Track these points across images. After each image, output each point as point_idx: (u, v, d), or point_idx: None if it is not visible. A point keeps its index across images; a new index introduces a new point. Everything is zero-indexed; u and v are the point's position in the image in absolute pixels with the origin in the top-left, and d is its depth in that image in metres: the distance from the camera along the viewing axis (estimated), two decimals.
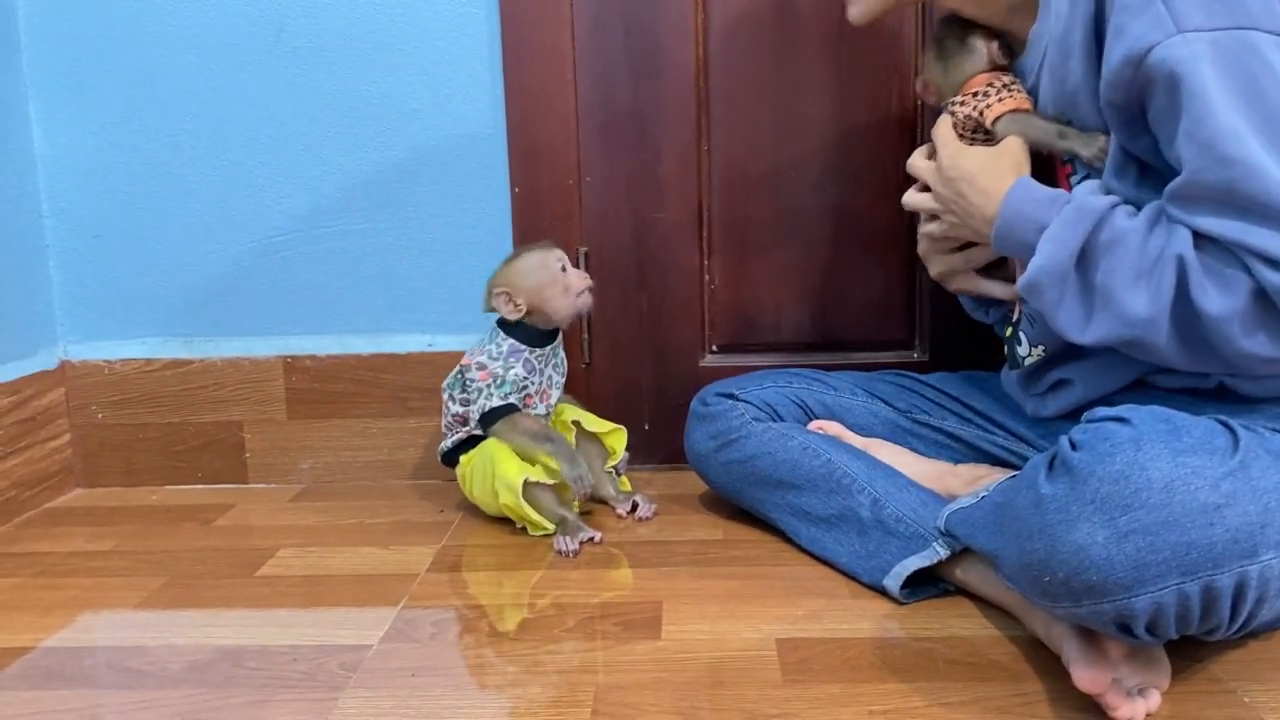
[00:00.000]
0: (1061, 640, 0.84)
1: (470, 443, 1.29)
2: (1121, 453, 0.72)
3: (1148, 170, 0.91)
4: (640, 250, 1.46)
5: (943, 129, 1.05)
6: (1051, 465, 0.77)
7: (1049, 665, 0.87)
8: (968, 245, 1.10)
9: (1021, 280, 0.92)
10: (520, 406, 1.27)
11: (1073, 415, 1.07)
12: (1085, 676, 0.78)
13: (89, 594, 1.12)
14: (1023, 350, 1.10)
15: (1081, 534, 0.72)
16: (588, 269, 1.44)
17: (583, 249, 1.45)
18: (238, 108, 1.43)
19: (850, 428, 1.24)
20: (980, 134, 1.02)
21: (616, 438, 1.35)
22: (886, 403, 1.26)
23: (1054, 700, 0.83)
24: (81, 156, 1.45)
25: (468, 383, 1.27)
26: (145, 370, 1.48)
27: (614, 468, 1.34)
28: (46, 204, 1.46)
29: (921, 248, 1.14)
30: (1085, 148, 0.95)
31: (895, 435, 1.24)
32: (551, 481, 1.23)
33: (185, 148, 1.44)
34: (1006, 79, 1.03)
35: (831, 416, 1.26)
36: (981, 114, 1.01)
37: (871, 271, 1.45)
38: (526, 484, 1.21)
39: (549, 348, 1.29)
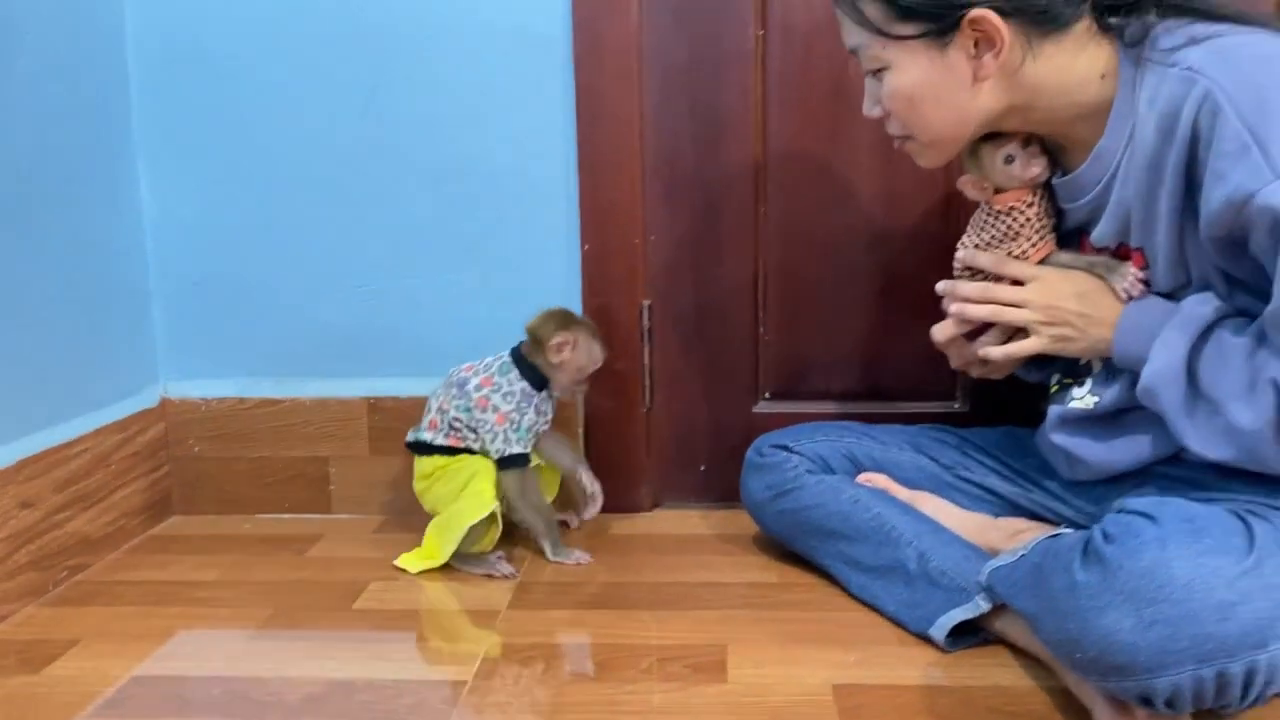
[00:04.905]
0: (1093, 700, 0.94)
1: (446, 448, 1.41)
2: (1149, 550, 0.82)
3: (1236, 284, 1.00)
4: (700, 304, 1.57)
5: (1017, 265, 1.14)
6: (1085, 551, 0.87)
7: (1081, 716, 0.96)
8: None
9: (1139, 386, 1.02)
10: (530, 454, 1.41)
11: (1103, 482, 1.17)
12: None
13: (204, 622, 1.24)
14: (1078, 392, 1.16)
15: (1110, 620, 0.83)
16: (651, 321, 1.55)
17: (646, 302, 1.55)
18: (330, 166, 1.55)
19: (897, 480, 1.34)
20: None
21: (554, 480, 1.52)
22: (931, 458, 1.36)
23: None
24: (185, 211, 1.57)
25: (476, 419, 1.38)
26: (239, 408, 1.60)
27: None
28: (151, 254, 1.58)
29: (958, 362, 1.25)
30: (1115, 278, 1.07)
31: (939, 489, 1.33)
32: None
33: (281, 203, 1.56)
34: (1036, 225, 1.13)
35: (879, 470, 1.35)
36: (1027, 255, 1.14)
37: (916, 327, 1.52)
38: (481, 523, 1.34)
39: (545, 390, 1.42)
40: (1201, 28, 0.98)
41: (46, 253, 1.36)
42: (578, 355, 1.39)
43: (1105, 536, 0.86)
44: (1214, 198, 0.92)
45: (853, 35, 1.09)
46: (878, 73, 1.09)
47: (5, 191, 1.28)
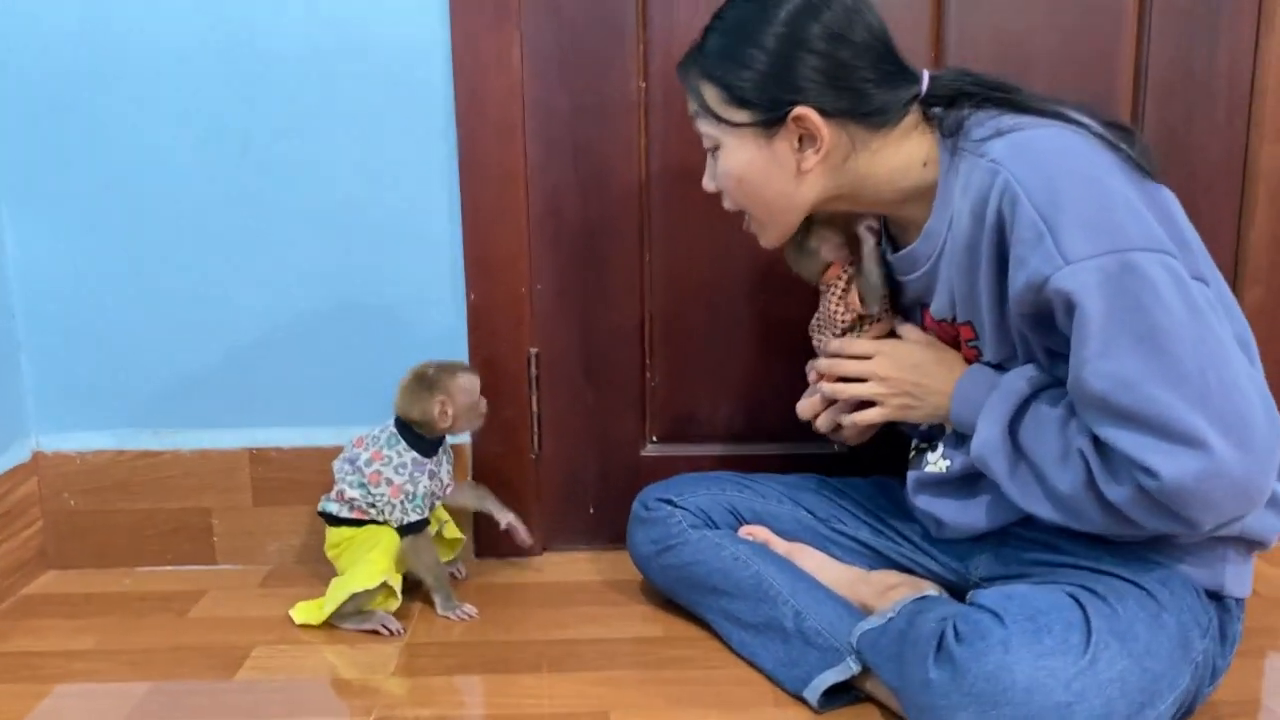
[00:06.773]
0: None
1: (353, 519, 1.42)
2: (993, 654, 0.88)
3: (1055, 355, 1.06)
4: (587, 351, 1.58)
5: (860, 344, 1.23)
6: (940, 646, 0.92)
7: None
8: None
9: (971, 455, 1.09)
10: (430, 517, 1.42)
11: (967, 539, 1.23)
12: None
13: (79, 701, 1.21)
14: (932, 457, 1.24)
15: None
16: (539, 368, 1.56)
17: (534, 350, 1.56)
18: (206, 214, 1.51)
19: (776, 532, 1.38)
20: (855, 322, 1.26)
21: (457, 544, 1.54)
22: (808, 510, 1.40)
23: None
24: (54, 259, 1.52)
25: (373, 494, 1.38)
26: (116, 460, 1.56)
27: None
28: (19, 304, 1.52)
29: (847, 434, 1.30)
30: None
31: (815, 540, 1.38)
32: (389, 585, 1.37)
33: (155, 250, 1.52)
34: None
35: (759, 521, 1.40)
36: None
37: (795, 370, 1.57)
38: (368, 590, 1.35)
39: (440, 452, 1.42)
40: (1008, 120, 1.05)
41: None
42: (459, 401, 1.39)
43: (957, 635, 0.91)
44: (1017, 280, 0.99)
45: (694, 111, 1.17)
46: (714, 150, 1.17)
47: None
